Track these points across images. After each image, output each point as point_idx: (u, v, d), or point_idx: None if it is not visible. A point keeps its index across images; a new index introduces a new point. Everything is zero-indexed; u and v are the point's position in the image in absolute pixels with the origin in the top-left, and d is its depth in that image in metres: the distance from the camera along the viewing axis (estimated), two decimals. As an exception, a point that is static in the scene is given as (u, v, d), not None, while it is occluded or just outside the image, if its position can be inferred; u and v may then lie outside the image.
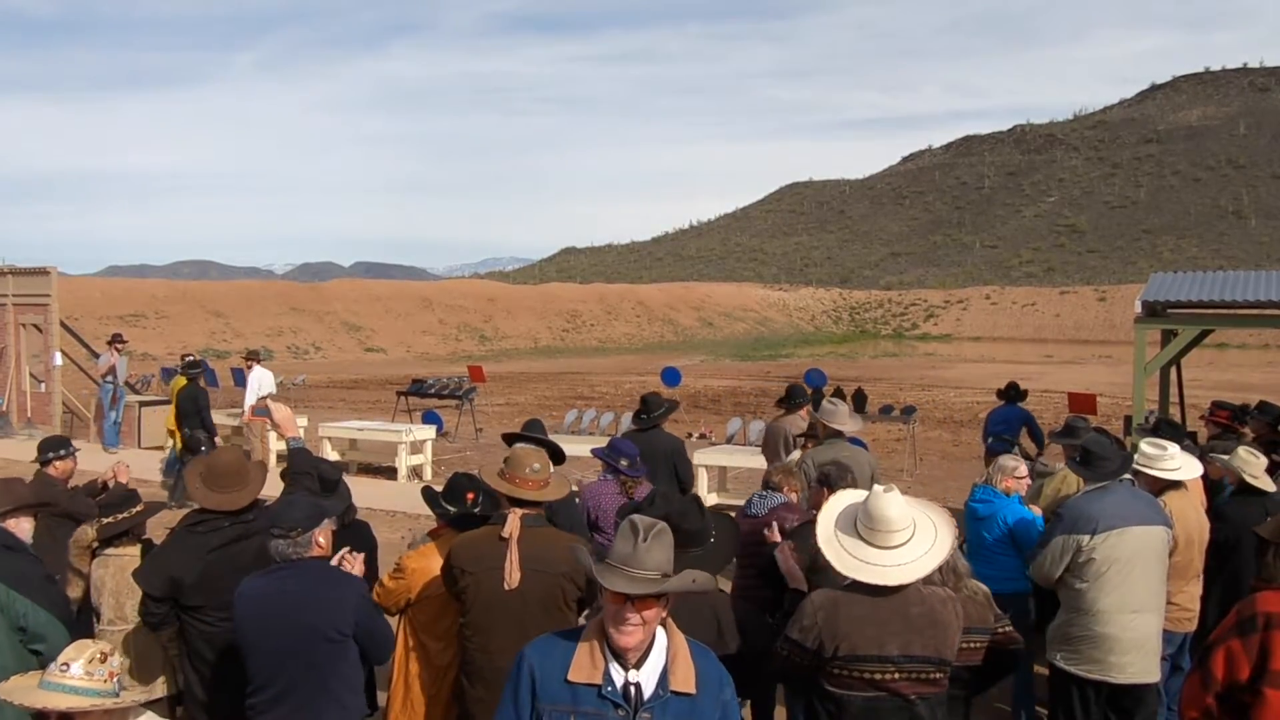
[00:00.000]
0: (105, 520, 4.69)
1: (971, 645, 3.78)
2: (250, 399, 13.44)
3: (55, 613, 4.03)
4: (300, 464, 4.76)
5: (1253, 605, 3.23)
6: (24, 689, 2.66)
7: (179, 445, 11.93)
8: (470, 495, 4.29)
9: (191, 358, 13.63)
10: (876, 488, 3.29)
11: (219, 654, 3.96)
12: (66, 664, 2.66)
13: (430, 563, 4.16)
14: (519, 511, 3.80)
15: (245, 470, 4.21)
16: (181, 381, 12.29)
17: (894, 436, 18.29)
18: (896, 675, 3.07)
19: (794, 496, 4.92)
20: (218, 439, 12.49)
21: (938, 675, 3.11)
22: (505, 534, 3.74)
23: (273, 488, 4.59)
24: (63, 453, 5.95)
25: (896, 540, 3.13)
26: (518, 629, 3.67)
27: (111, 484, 5.59)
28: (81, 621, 5.09)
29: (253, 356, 14.63)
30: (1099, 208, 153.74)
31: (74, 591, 4.89)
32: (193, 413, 11.74)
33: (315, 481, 4.72)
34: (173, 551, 4.07)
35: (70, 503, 5.43)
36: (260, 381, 13.76)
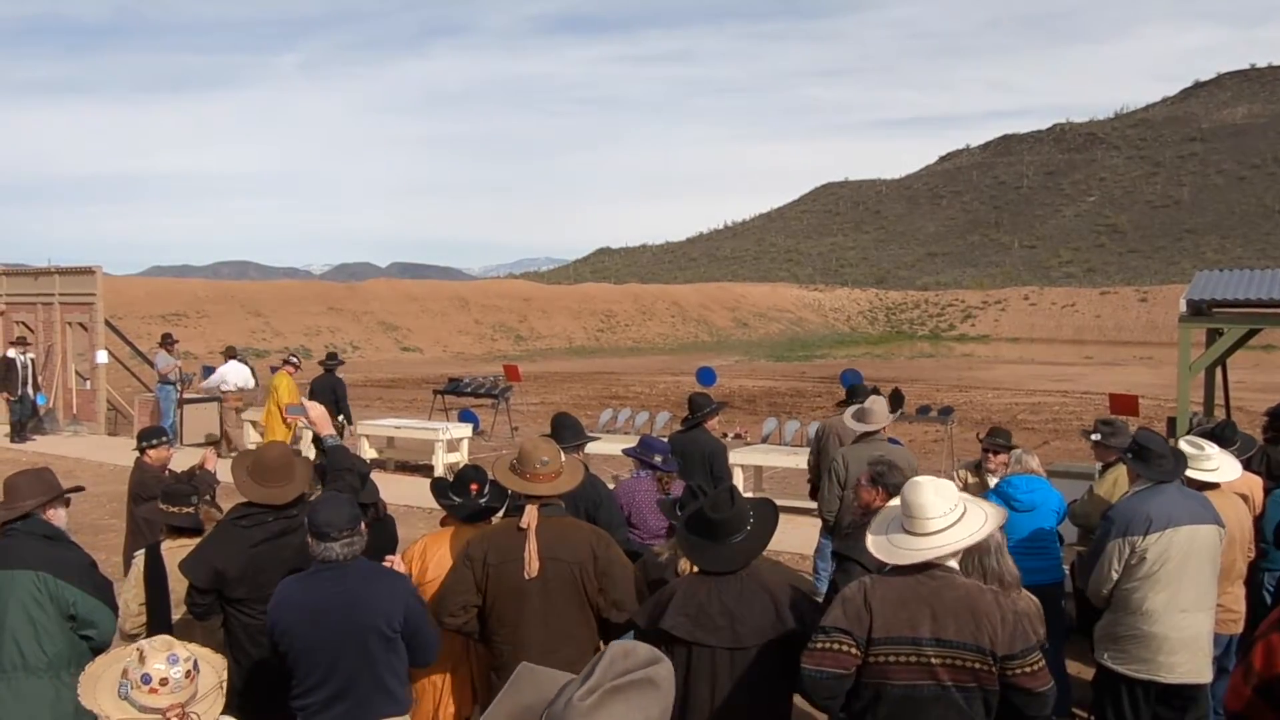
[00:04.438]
0: (170, 509, 4.79)
1: (1032, 668, 3.64)
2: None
3: (101, 598, 4.11)
4: (339, 462, 4.79)
5: None
6: (106, 694, 2.56)
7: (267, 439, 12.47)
8: (474, 486, 4.33)
9: (331, 351, 14.64)
10: (915, 478, 3.30)
11: (260, 646, 4.00)
12: (165, 680, 2.53)
13: (428, 548, 4.23)
14: (538, 502, 3.82)
15: (292, 465, 4.24)
16: (282, 377, 12.79)
17: (931, 437, 18.13)
18: (932, 660, 3.01)
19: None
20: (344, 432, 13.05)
21: (977, 665, 3.02)
22: (523, 524, 3.77)
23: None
24: (155, 442, 6.52)
25: (935, 526, 3.12)
26: (540, 619, 3.72)
27: (206, 470, 5.77)
28: None
29: (229, 353, 15.56)
30: (1141, 207, 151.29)
31: None
32: (330, 403, 12.31)
33: (356, 478, 4.77)
34: (216, 543, 4.12)
35: (160, 487, 5.59)
36: (225, 375, 14.64)
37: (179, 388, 15.89)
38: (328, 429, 5.24)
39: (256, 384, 16.30)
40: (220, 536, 4.16)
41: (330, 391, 12.55)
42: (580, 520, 4.09)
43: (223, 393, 15.35)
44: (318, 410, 5.32)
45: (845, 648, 3.07)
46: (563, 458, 4.01)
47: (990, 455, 6.56)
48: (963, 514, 3.18)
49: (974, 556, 3.73)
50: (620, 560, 3.86)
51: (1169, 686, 4.44)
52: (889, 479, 4.36)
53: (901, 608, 3.05)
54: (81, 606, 4.00)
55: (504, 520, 3.98)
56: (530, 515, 3.79)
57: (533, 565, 3.70)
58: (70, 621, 3.99)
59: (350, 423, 12.92)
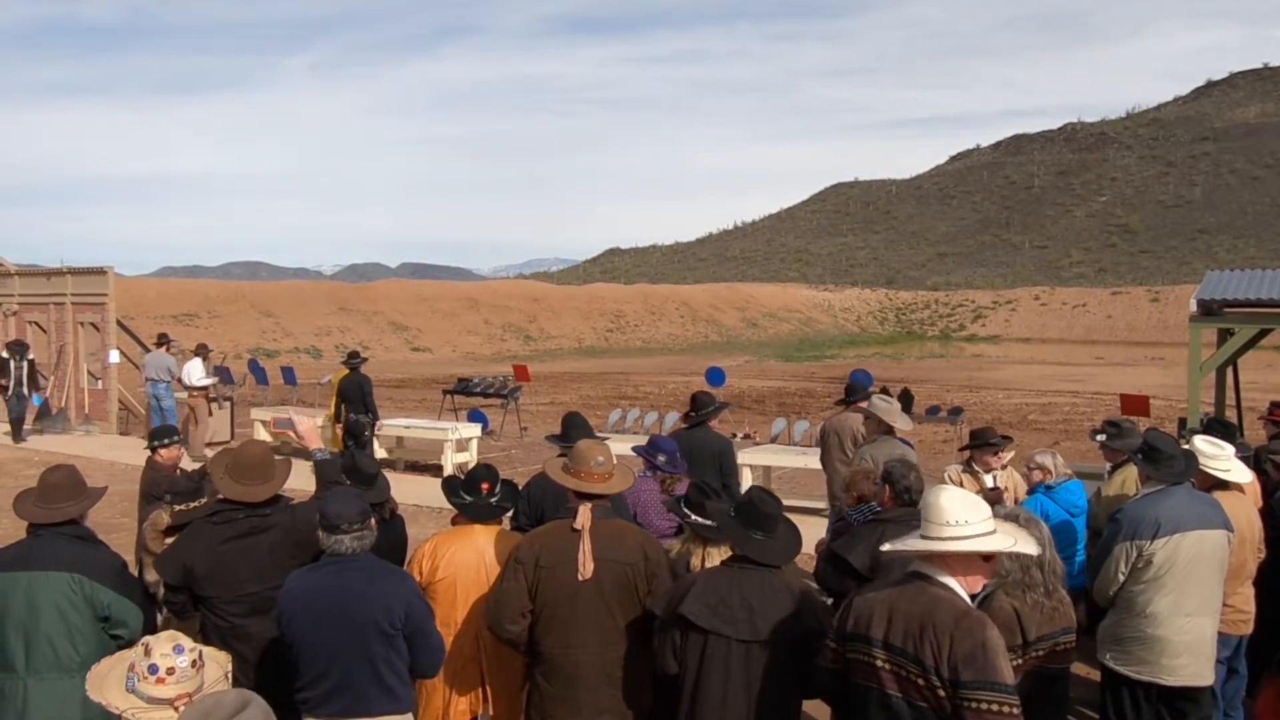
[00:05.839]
0: (178, 508, 4.80)
1: (1068, 646, 3.84)
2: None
3: (134, 599, 4.13)
4: (328, 474, 4.75)
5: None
6: (113, 689, 2.62)
7: (335, 435, 12.66)
8: (485, 485, 4.33)
9: (353, 350, 14.96)
10: (938, 489, 3.14)
11: (230, 650, 3.91)
12: (172, 669, 2.57)
13: (438, 548, 4.23)
14: (589, 504, 3.83)
15: (270, 464, 4.23)
16: (344, 373, 12.94)
17: (940, 438, 18.11)
18: (878, 662, 2.95)
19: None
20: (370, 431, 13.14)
21: (921, 682, 2.84)
22: (577, 526, 3.77)
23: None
24: (167, 441, 6.58)
25: (949, 532, 2.91)
26: (594, 621, 3.71)
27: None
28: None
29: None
30: (1152, 207, 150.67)
31: (151, 574, 4.99)
32: (358, 399, 12.60)
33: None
34: (188, 540, 4.13)
35: (175, 484, 5.59)
36: (190, 371, 14.77)
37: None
38: (316, 442, 5.17)
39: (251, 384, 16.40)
40: (192, 534, 4.16)
41: (358, 389, 12.68)
42: (628, 521, 4.09)
43: (185, 388, 15.58)
44: (306, 424, 5.25)
45: (829, 642, 3.15)
46: (615, 459, 4.01)
47: (999, 455, 6.49)
48: (990, 532, 2.95)
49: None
50: (668, 564, 3.88)
51: (1171, 688, 4.44)
52: (897, 478, 4.39)
53: (870, 607, 3.01)
54: (115, 608, 4.01)
55: (555, 522, 3.95)
56: (585, 516, 3.78)
57: (587, 567, 3.69)
58: (103, 622, 4.01)
59: (377, 418, 13.10)
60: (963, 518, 2.93)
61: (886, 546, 3.10)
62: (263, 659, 4.00)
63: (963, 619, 2.81)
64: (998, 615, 3.81)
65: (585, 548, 3.71)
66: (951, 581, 2.92)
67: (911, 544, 2.99)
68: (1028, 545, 3.05)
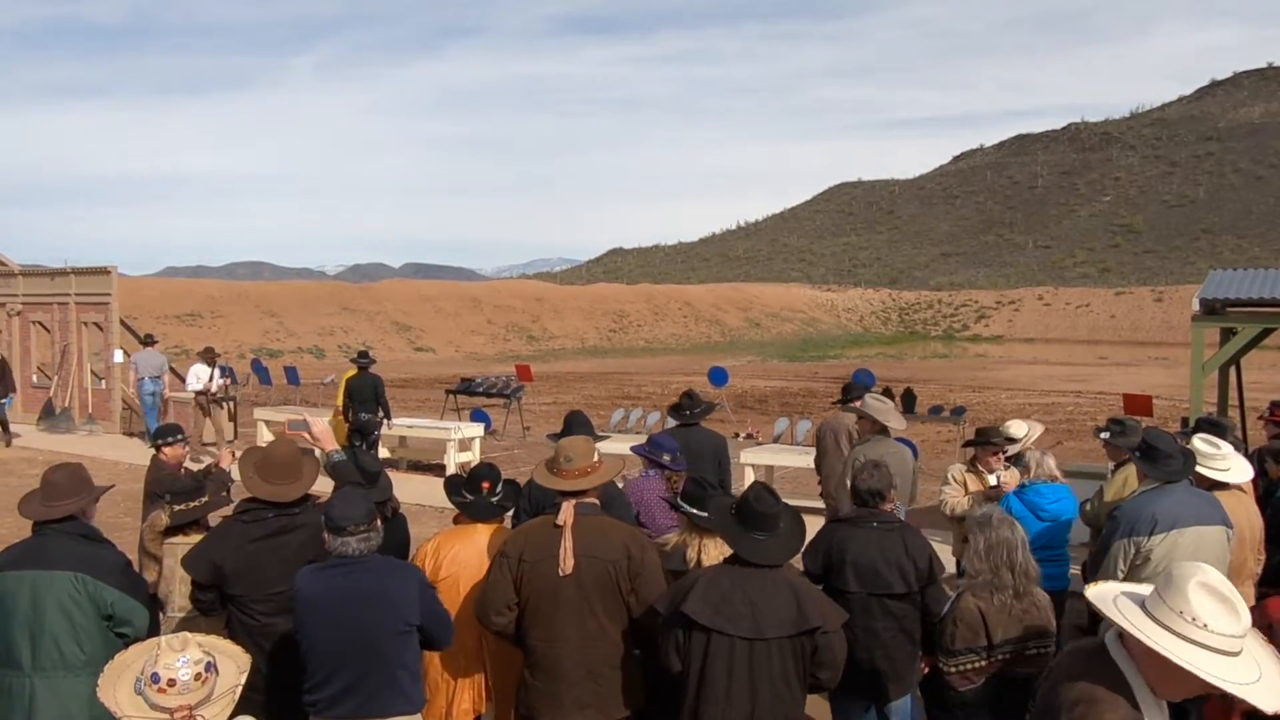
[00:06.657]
0: (178, 507, 4.81)
1: (1040, 652, 3.79)
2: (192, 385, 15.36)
3: (138, 598, 4.14)
4: (345, 476, 4.75)
5: (1265, 613, 3.04)
6: (125, 687, 2.62)
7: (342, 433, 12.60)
8: (486, 484, 4.35)
9: (363, 349, 15.15)
10: (1196, 567, 2.36)
11: (257, 648, 3.95)
12: (173, 681, 2.57)
13: (441, 546, 4.26)
14: (573, 500, 3.84)
15: (299, 464, 4.22)
16: (353, 372, 13.12)
17: (944, 438, 18.09)
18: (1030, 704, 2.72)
19: (890, 507, 4.60)
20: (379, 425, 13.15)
21: None
22: (559, 522, 3.79)
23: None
24: (170, 439, 6.62)
25: (1172, 623, 2.27)
26: (576, 616, 3.73)
27: (221, 469, 5.78)
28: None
29: (208, 354, 15.86)
30: (1156, 207, 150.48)
31: (150, 575, 5.00)
32: (370, 399, 12.72)
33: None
34: (216, 538, 4.14)
35: (175, 484, 5.58)
36: (198, 374, 15.24)
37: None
38: (331, 444, 5.17)
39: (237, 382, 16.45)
40: (221, 532, 4.17)
41: (370, 389, 12.73)
42: (619, 520, 4.10)
43: (193, 392, 15.68)
44: (320, 426, 5.24)
45: None
46: (596, 457, 4.02)
47: (999, 456, 6.45)
48: (1228, 652, 2.24)
49: (1002, 550, 3.78)
50: (654, 562, 3.88)
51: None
52: (856, 479, 4.40)
53: (1058, 656, 2.74)
54: (119, 606, 4.02)
55: (541, 517, 3.98)
56: (566, 512, 3.81)
57: (567, 562, 3.71)
58: (107, 620, 4.02)
59: (390, 418, 13.16)
60: (1204, 619, 2.23)
61: (1094, 594, 2.53)
62: (289, 657, 4.01)
63: (1077, 705, 2.31)
64: (963, 615, 3.81)
65: (566, 544, 3.74)
66: (1131, 673, 2.32)
67: (1118, 608, 2.40)
68: (1266, 692, 2.22)
